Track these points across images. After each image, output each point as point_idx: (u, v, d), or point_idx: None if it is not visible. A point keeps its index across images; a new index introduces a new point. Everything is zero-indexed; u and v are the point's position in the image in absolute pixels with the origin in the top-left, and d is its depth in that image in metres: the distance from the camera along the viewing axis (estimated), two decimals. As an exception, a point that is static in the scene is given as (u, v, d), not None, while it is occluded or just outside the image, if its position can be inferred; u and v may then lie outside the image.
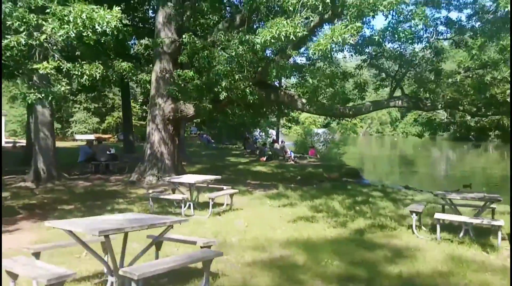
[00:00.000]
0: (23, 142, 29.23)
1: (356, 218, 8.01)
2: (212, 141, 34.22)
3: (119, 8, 6.83)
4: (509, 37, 9.11)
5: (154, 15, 16.86)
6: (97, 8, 6.71)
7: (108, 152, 14.70)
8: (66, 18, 6.39)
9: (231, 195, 9.07)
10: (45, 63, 6.50)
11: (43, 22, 6.64)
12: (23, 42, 6.41)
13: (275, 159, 21.33)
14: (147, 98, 31.09)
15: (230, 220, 7.94)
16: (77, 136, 35.49)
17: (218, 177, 9.61)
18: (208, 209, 8.83)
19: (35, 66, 6.57)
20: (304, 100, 11.42)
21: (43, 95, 6.77)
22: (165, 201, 9.43)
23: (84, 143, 17.16)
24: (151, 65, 13.77)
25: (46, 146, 12.26)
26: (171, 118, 13.23)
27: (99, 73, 6.84)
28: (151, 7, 18.28)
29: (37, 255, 3.90)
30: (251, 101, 10.76)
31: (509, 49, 9.19)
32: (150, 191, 9.13)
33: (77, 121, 38.59)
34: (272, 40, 7.19)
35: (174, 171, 13.22)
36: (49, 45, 6.84)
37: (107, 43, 8.08)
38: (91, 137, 36.20)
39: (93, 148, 14.92)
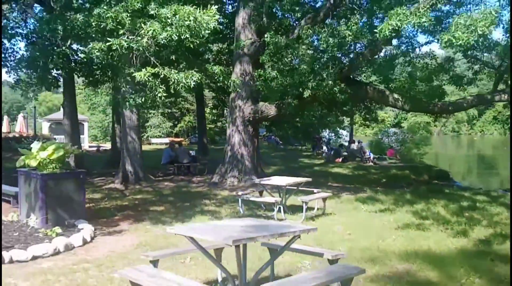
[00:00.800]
0: (105, 146, 31.23)
1: (472, 227, 7.03)
2: (280, 142, 33.84)
3: (216, 7, 6.60)
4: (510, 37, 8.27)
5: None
6: (193, 9, 6.54)
7: (188, 155, 14.88)
8: (169, 20, 6.27)
9: (324, 199, 8.52)
10: (143, 70, 6.44)
11: (143, 25, 6.61)
12: (125, 45, 6.40)
13: (352, 160, 20.36)
14: (218, 102, 31.67)
15: (328, 226, 7.36)
16: (153, 140, 37.05)
17: (309, 179, 9.09)
18: (298, 213, 8.38)
19: (134, 73, 6.53)
20: (396, 95, 10.51)
21: (142, 100, 6.76)
22: (251, 203, 9.15)
23: (166, 146, 17.59)
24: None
25: (134, 149, 12.61)
26: (251, 119, 13.01)
27: (194, 80, 6.66)
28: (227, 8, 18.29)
29: (155, 263, 3.65)
30: (339, 99, 10.10)
31: None
32: (240, 193, 8.84)
33: (152, 125, 40.31)
34: (393, 34, 6.44)
35: (255, 173, 12.98)
36: (147, 49, 6.77)
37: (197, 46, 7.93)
38: (166, 140, 37.74)
39: (175, 150, 15.18)
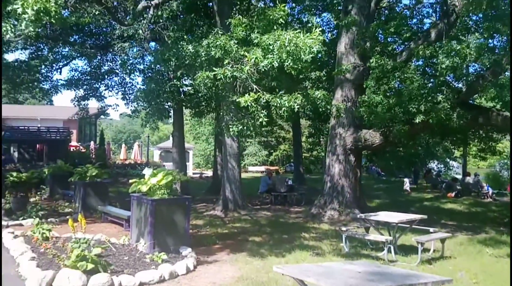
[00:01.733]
0: (207, 173, 32.81)
1: None
2: (382, 173, 31.86)
3: (319, 30, 6.39)
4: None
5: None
6: (297, 33, 6.42)
7: (286, 184, 14.63)
8: (270, 47, 6.25)
9: (443, 240, 7.46)
10: (246, 95, 6.45)
11: (246, 53, 6.68)
12: (229, 75, 6.51)
13: (467, 195, 18.09)
14: (314, 130, 31.29)
15: (449, 272, 6.35)
16: (250, 168, 37.85)
17: (424, 216, 8.08)
18: (411, 254, 7.44)
19: (238, 99, 6.57)
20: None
21: (244, 127, 6.75)
22: (356, 240, 8.41)
23: (262, 174, 17.62)
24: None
25: (233, 177, 12.78)
26: (353, 148, 12.34)
27: (298, 103, 6.46)
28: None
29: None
30: (455, 125, 8.99)
31: None
32: (343, 228, 8.21)
33: (249, 154, 41.40)
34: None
35: (357, 206, 12.17)
36: (250, 77, 6.80)
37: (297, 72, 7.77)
38: (262, 168, 38.31)
39: (272, 179, 15.08)
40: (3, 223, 9.26)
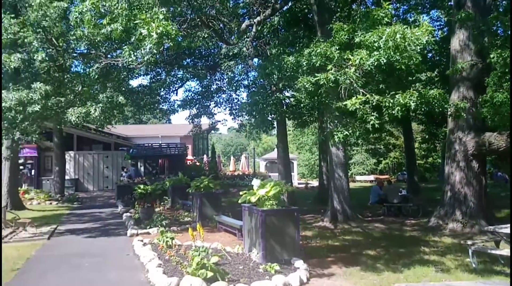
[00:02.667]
0: (312, 183, 32.64)
1: None
2: (510, 179, 27.88)
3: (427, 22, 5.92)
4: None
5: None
6: (404, 28, 6.04)
7: (400, 194, 13.72)
8: (375, 44, 5.99)
9: None
10: (353, 98, 6.22)
11: (350, 56, 6.49)
12: (332, 79, 6.39)
13: None
14: (428, 135, 28.90)
15: None
16: (357, 177, 36.58)
17: None
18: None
19: (345, 102, 6.37)
20: None
21: (350, 132, 6.53)
22: (485, 256, 7.44)
23: (371, 183, 16.82)
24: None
25: (341, 187, 12.44)
26: (475, 153, 11.06)
27: (413, 101, 6.01)
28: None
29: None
30: None
31: None
32: (469, 242, 7.35)
33: (356, 163, 40.02)
34: None
35: (482, 217, 10.86)
36: (355, 80, 6.55)
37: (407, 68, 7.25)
38: (370, 178, 36.68)
39: (384, 189, 14.29)
40: (134, 231, 10.41)
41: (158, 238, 8.46)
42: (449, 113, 8.76)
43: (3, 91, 9.47)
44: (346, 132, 6.67)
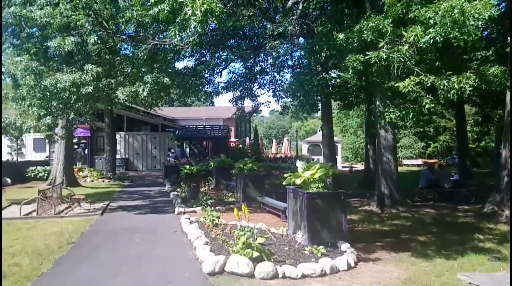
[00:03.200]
0: (357, 166, 32.00)
1: None
2: None
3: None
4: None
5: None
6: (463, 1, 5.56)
7: (451, 178, 13.06)
8: (431, 21, 5.58)
9: None
10: (407, 80, 5.87)
11: (403, 32, 6.11)
12: (384, 57, 6.05)
13: None
14: (482, 118, 27.22)
15: None
16: (404, 161, 35.39)
17: None
18: None
19: (397, 83, 6.04)
20: None
21: (403, 113, 6.19)
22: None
23: (419, 168, 16.15)
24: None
25: (390, 171, 12.01)
26: (539, 136, 10.23)
27: (470, 84, 5.59)
28: None
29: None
30: None
31: None
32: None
33: (403, 146, 38.64)
34: None
35: (547, 205, 10.07)
36: (408, 58, 6.17)
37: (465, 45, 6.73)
38: (418, 161, 35.34)
39: (435, 173, 13.66)
40: (181, 209, 10.70)
41: (205, 217, 8.63)
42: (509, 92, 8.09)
43: (57, 73, 9.89)
44: (399, 113, 6.33)
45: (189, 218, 9.11)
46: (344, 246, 6.72)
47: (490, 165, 28.02)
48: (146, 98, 9.61)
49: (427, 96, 5.95)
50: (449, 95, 5.78)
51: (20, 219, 9.62)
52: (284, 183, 7.81)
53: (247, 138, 33.50)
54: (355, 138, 43.86)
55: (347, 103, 18.74)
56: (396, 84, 6.16)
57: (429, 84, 5.90)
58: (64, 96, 9.39)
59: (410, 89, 5.96)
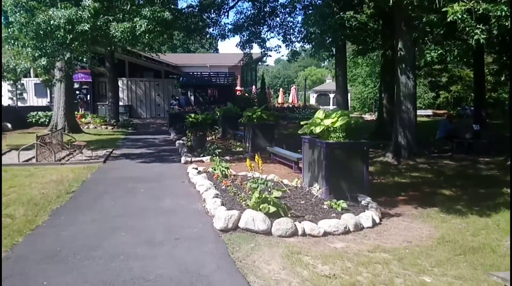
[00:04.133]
0: (366, 117, 31.17)
1: None
2: None
3: None
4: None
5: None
6: None
7: (472, 129, 12.33)
8: None
9: None
10: (455, 5, 4.93)
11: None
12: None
13: None
14: (500, 66, 25.85)
15: None
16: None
17: None
18: None
19: (444, 8, 5.09)
20: None
21: (446, 49, 5.35)
22: None
23: (432, 118, 15.36)
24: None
25: (408, 120, 11.27)
26: None
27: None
28: None
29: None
30: None
31: None
32: None
33: (413, 96, 37.43)
34: None
35: None
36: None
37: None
38: (428, 112, 34.36)
39: (453, 123, 12.91)
40: (187, 159, 10.16)
41: (213, 167, 8.08)
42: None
43: (50, 9, 8.91)
44: (441, 51, 5.47)
45: (196, 168, 8.57)
46: (365, 200, 6.20)
47: (503, 116, 27.18)
48: (144, 35, 8.66)
49: (478, 26, 5.03)
50: (506, 23, 4.84)
51: (19, 166, 9.14)
52: (300, 132, 7.16)
53: (253, 86, 32.42)
54: (363, 88, 42.59)
55: (362, 49, 17.65)
56: (444, 9, 5.19)
57: (480, 11, 4.96)
58: (59, 35, 8.47)
59: (459, 17, 5.01)
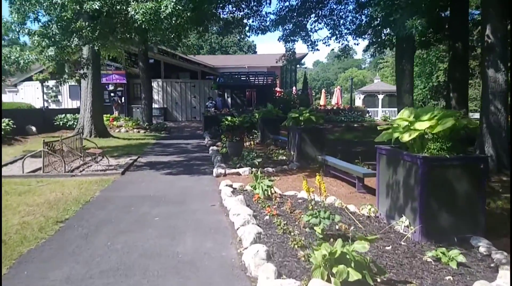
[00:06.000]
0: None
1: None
2: None
3: None
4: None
5: None
6: None
7: None
8: None
9: None
10: None
11: None
12: None
13: None
14: None
15: None
16: (476, 115, 30.96)
17: None
18: None
19: None
20: None
21: None
22: None
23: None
24: None
25: (498, 125, 8.86)
26: None
27: None
28: None
29: None
30: None
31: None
32: None
33: (475, 97, 33.87)
34: None
35: None
36: None
37: None
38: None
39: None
40: (221, 170, 8.31)
41: (253, 185, 6.16)
42: None
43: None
44: None
45: (231, 186, 6.69)
46: (483, 245, 4.05)
47: None
48: (170, 19, 6.89)
49: None
50: None
51: (21, 178, 7.66)
52: (376, 140, 5.08)
53: (294, 87, 30.32)
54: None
55: (425, 41, 15.31)
56: None
57: None
58: (65, 17, 6.90)
59: None
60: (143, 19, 6.86)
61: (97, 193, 6.52)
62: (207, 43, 55.61)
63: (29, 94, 27.44)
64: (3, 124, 12.63)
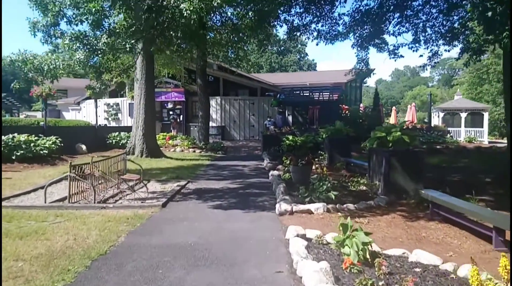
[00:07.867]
0: (501, 141, 24.41)
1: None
2: None
3: None
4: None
5: None
6: None
7: None
8: None
9: None
10: None
11: None
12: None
13: None
14: None
15: None
16: None
17: None
18: None
19: None
20: None
21: None
22: None
23: None
24: None
25: None
26: None
27: None
28: None
29: None
30: None
31: None
32: None
33: None
34: None
35: None
36: None
37: None
38: None
39: None
40: (286, 207, 6.29)
41: (339, 240, 4.07)
42: None
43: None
44: None
45: (304, 236, 4.65)
46: None
47: None
48: (223, 5, 5.21)
49: None
50: None
51: (41, 209, 6.24)
52: None
53: (361, 104, 27.74)
54: (493, 107, 35.06)
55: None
56: None
57: None
58: (93, 9, 5.48)
59: None
60: (191, 9, 5.24)
61: (121, 237, 4.82)
62: (267, 63, 54.65)
63: (92, 111, 27.68)
64: (49, 142, 11.78)
